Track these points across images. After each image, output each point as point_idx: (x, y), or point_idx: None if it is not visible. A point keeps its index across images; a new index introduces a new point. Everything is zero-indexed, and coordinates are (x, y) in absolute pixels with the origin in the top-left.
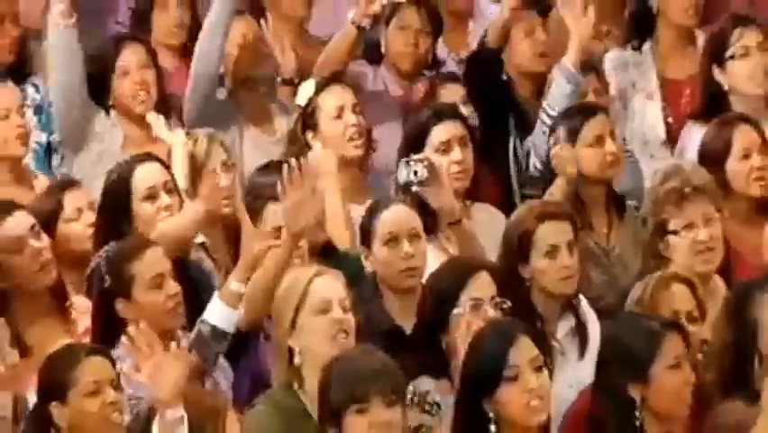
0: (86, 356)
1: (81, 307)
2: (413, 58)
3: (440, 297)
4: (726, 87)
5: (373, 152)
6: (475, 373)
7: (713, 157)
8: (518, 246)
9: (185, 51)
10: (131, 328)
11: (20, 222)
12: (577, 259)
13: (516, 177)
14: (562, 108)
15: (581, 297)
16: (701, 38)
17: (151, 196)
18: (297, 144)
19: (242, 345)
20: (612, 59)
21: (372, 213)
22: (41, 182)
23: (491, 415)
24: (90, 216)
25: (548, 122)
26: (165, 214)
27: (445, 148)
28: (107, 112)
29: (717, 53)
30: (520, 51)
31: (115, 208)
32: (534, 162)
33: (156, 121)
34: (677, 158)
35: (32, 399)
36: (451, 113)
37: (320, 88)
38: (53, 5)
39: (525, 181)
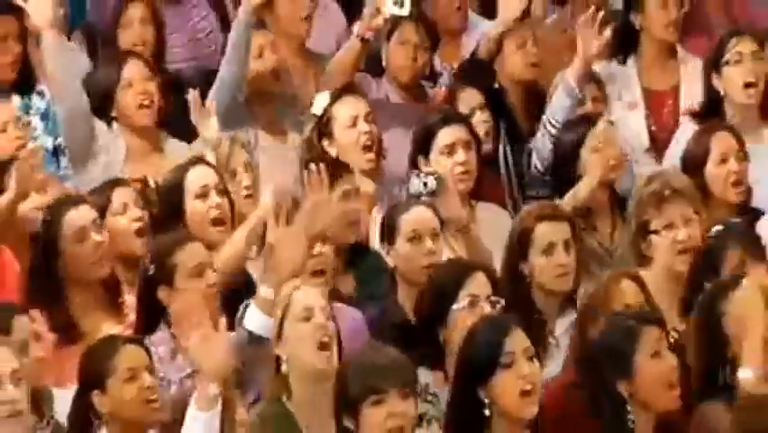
0: (122, 345)
1: (131, 304)
2: (412, 71)
3: (439, 293)
4: (722, 93)
5: (383, 159)
6: (472, 360)
7: (694, 162)
8: (518, 244)
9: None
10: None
11: (83, 214)
12: (574, 258)
13: (517, 180)
14: (562, 118)
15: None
16: (681, 51)
17: (203, 194)
18: (314, 152)
19: None
20: (599, 71)
21: (396, 212)
22: (53, 188)
23: (485, 401)
24: (136, 212)
25: (549, 128)
26: (215, 212)
27: (450, 150)
28: (109, 124)
29: (715, 60)
30: (512, 62)
31: (169, 207)
32: (536, 163)
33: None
34: (672, 150)
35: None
36: (456, 118)
37: (335, 99)
38: (43, 33)
39: (530, 183)
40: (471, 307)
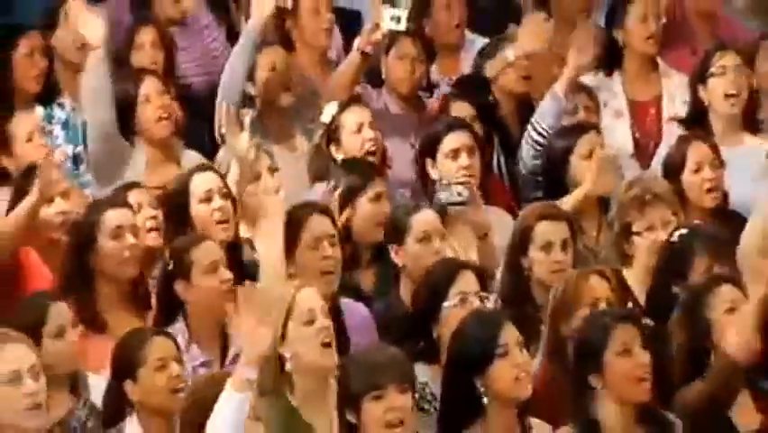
0: (152, 337)
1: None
2: (410, 83)
3: (431, 291)
4: (706, 103)
5: (389, 168)
6: (468, 353)
7: (672, 169)
8: (520, 240)
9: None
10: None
11: (122, 215)
12: (571, 256)
13: (510, 186)
14: (547, 123)
15: None
16: (662, 65)
17: (207, 198)
18: (323, 157)
19: None
20: (586, 82)
21: (405, 214)
22: (76, 193)
23: (481, 389)
24: (149, 211)
25: (532, 132)
26: (218, 214)
27: (454, 155)
28: (128, 139)
29: (701, 73)
30: (506, 76)
31: (177, 210)
32: (521, 168)
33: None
34: (661, 153)
35: (97, 379)
36: (461, 124)
37: (342, 108)
38: (91, 51)
39: (524, 186)
40: (462, 303)
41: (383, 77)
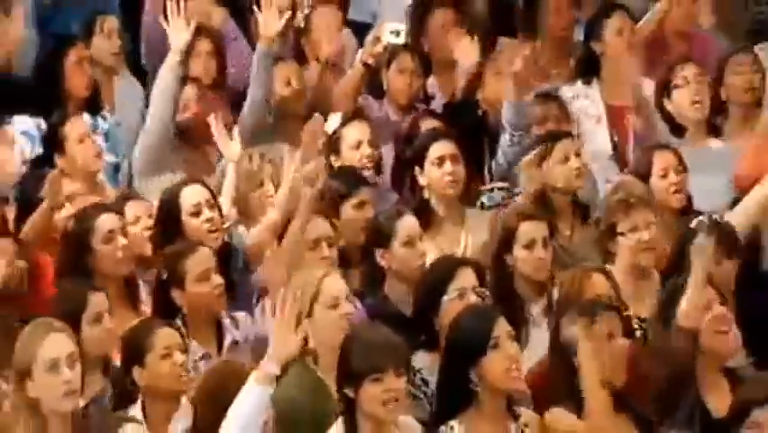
0: (159, 327)
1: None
2: (408, 94)
3: (432, 286)
4: (672, 112)
5: (381, 174)
6: (464, 346)
7: (639, 175)
8: (504, 239)
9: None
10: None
11: (113, 219)
12: (550, 252)
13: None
14: (508, 121)
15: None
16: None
17: (197, 212)
18: (325, 164)
19: None
20: (567, 91)
21: (389, 220)
22: (110, 193)
23: (474, 380)
24: (146, 222)
25: (506, 132)
26: (207, 225)
27: (440, 162)
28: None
29: (665, 85)
30: (491, 88)
31: (168, 222)
32: (502, 163)
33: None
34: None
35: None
36: (445, 135)
37: (344, 122)
38: (170, 58)
39: (495, 175)
40: (460, 298)
41: (384, 88)
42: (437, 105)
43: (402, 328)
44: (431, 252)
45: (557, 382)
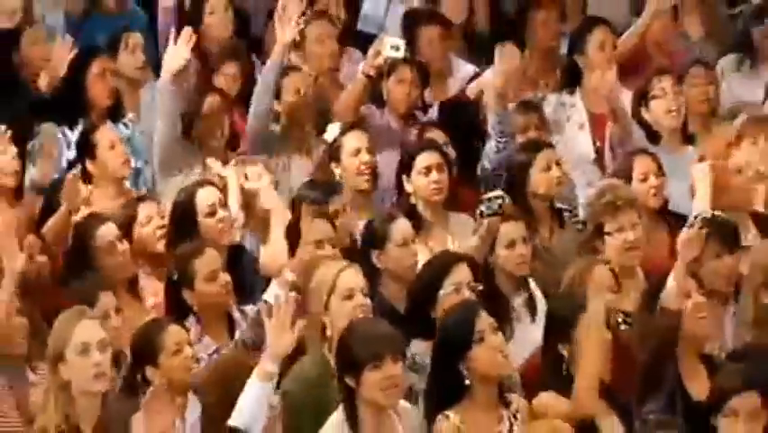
0: (168, 325)
1: (149, 288)
2: (407, 103)
3: (429, 281)
4: (649, 121)
5: (377, 179)
6: (451, 341)
7: (621, 179)
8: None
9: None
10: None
11: (111, 230)
12: (529, 250)
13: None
14: (492, 125)
15: (530, 279)
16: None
17: (212, 212)
18: (325, 171)
19: None
20: (552, 100)
21: (384, 223)
22: (133, 195)
23: (465, 372)
24: (158, 221)
25: (492, 142)
26: (221, 225)
27: (426, 171)
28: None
29: (642, 95)
30: (489, 95)
31: (184, 221)
32: (486, 166)
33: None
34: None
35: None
36: (431, 145)
37: (344, 131)
38: (164, 72)
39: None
40: (456, 293)
41: (384, 98)
42: (433, 113)
43: (397, 324)
44: (422, 253)
45: (547, 372)
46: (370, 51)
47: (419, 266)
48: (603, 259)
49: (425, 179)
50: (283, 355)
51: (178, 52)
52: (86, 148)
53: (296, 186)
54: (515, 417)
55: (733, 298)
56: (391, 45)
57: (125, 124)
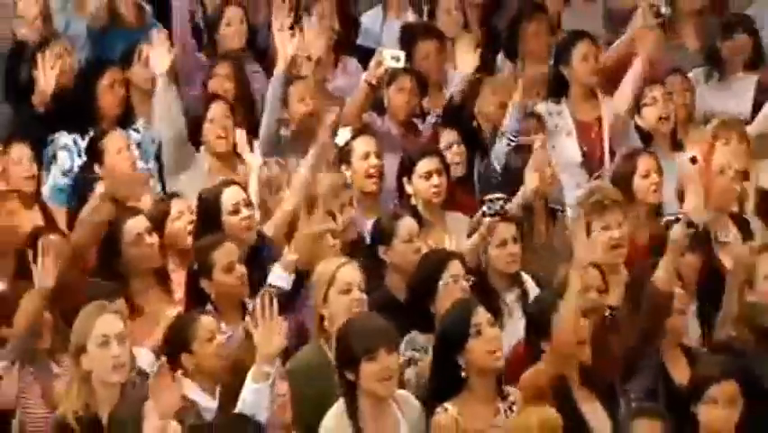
0: (199, 317)
1: (177, 281)
2: (406, 111)
3: (427, 274)
4: (643, 126)
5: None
6: (449, 336)
7: (624, 176)
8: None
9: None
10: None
11: (140, 223)
12: (519, 248)
13: (479, 185)
14: (511, 128)
15: (524, 274)
16: (600, 94)
17: (236, 210)
18: (336, 172)
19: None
20: (541, 108)
21: (391, 221)
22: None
23: (463, 365)
24: (189, 217)
25: (504, 140)
26: (245, 222)
27: (427, 176)
28: (197, 148)
29: (636, 105)
30: (488, 104)
31: (209, 219)
32: (495, 167)
33: (245, 145)
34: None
35: (140, 351)
36: (432, 151)
37: (354, 136)
38: (159, 76)
39: (488, 189)
40: (454, 283)
41: (385, 106)
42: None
43: (399, 314)
44: (423, 249)
45: (531, 351)
46: (372, 62)
47: None
48: (595, 261)
49: (426, 183)
50: (276, 356)
51: (159, 54)
52: (94, 153)
53: None
54: (511, 409)
55: (695, 295)
56: (392, 56)
57: (136, 130)
